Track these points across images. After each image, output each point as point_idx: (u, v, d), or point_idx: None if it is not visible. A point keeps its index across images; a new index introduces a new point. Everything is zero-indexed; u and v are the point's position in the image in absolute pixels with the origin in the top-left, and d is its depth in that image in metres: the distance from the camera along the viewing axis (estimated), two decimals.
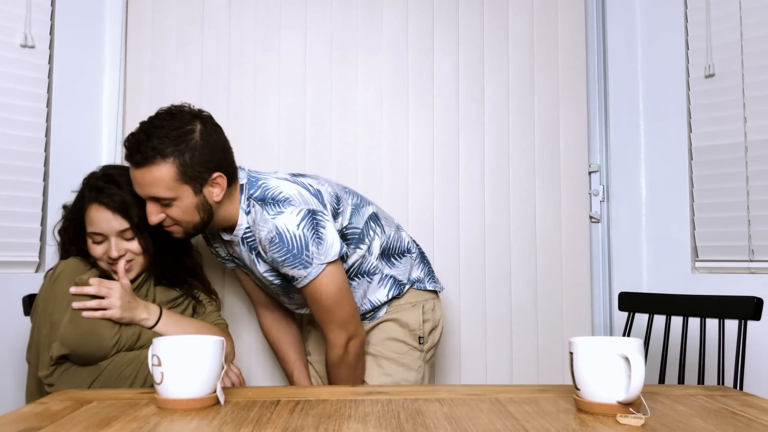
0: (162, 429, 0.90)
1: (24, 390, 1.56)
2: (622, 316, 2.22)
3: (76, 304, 1.42)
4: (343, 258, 1.60)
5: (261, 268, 1.60)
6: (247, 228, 1.56)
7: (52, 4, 1.98)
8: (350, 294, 1.59)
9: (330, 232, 1.54)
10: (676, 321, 1.88)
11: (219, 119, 2.08)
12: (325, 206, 1.57)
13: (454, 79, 2.20)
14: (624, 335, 1.85)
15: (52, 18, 1.97)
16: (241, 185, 1.57)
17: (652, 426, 0.91)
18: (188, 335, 1.14)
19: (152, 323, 1.49)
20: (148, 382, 1.41)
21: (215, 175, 1.48)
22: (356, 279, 1.67)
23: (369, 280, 1.68)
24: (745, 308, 1.58)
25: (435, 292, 1.79)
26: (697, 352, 1.92)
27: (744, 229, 2.02)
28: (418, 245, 1.84)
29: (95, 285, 1.44)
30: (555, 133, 2.24)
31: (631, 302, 1.86)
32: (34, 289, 1.57)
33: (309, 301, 1.57)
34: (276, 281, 1.63)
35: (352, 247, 1.64)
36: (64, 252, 1.58)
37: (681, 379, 1.68)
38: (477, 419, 0.95)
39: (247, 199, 1.55)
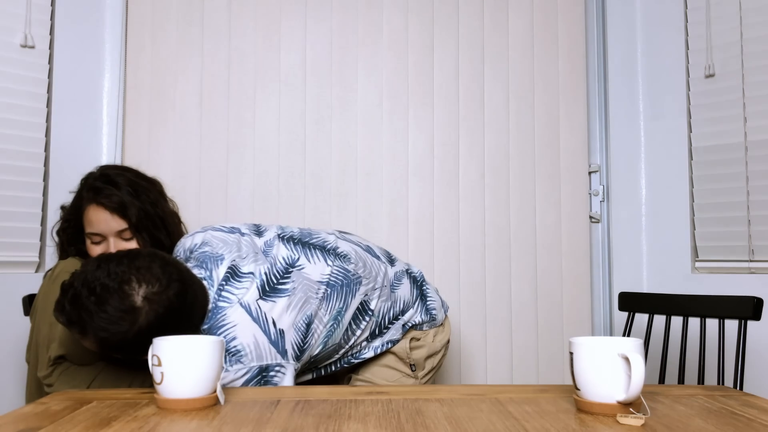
0: (162, 429, 0.90)
1: (24, 390, 1.56)
2: (622, 316, 2.22)
3: None
4: (315, 368, 1.47)
5: None
6: None
7: (52, 4, 1.98)
8: None
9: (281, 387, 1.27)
10: (676, 321, 1.88)
11: (219, 119, 2.09)
12: (285, 354, 1.35)
13: (454, 79, 2.20)
14: (624, 335, 1.85)
15: (52, 18, 1.97)
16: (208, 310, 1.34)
17: (652, 426, 0.91)
18: (189, 335, 1.14)
19: None
20: (147, 383, 1.41)
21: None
22: (341, 366, 1.54)
23: (354, 357, 1.53)
24: (745, 308, 1.58)
25: (441, 326, 1.64)
26: (697, 352, 1.92)
27: (744, 229, 2.02)
28: (420, 284, 1.63)
29: None
30: (555, 133, 2.24)
31: (631, 302, 1.86)
32: (34, 289, 1.57)
33: None
34: None
35: (329, 356, 1.48)
36: (63, 252, 1.58)
37: (681, 379, 1.68)
38: (477, 419, 0.95)
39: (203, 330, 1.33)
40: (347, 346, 1.51)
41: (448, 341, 1.69)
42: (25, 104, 1.90)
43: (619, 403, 0.95)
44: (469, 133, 2.20)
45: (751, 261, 2.02)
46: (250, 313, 1.34)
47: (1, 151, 1.85)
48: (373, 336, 1.55)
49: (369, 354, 1.55)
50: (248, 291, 1.36)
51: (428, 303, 1.63)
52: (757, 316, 1.56)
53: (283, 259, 1.44)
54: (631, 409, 0.96)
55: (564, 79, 2.26)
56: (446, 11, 2.20)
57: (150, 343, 1.10)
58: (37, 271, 1.92)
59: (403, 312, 1.58)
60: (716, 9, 2.10)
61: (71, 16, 2.01)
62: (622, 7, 2.31)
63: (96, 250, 1.51)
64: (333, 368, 1.56)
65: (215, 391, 1.04)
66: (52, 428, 0.91)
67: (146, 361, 1.31)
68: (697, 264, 2.14)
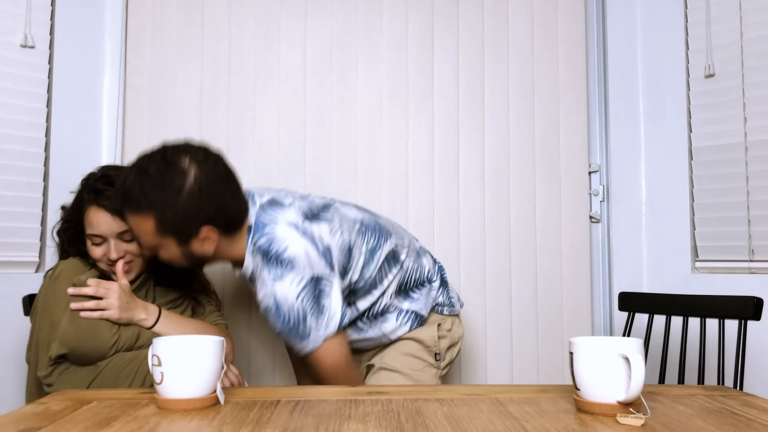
0: (162, 429, 0.90)
1: (24, 390, 1.56)
2: (622, 316, 2.22)
3: (74, 305, 1.42)
4: (350, 303, 1.54)
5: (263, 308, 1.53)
6: (253, 270, 1.46)
7: (52, 4, 1.98)
8: (351, 366, 1.50)
9: (334, 300, 1.44)
10: (676, 321, 1.88)
11: (219, 119, 2.09)
12: (332, 267, 1.45)
13: (454, 79, 2.20)
14: (624, 335, 1.85)
15: (52, 18, 1.97)
16: (250, 227, 1.45)
17: (652, 426, 0.91)
18: (188, 335, 1.14)
19: (151, 323, 1.49)
20: (147, 382, 1.41)
21: (203, 231, 1.40)
22: (369, 322, 1.61)
23: (384, 319, 1.61)
24: (745, 308, 1.58)
25: (458, 316, 1.73)
26: (697, 352, 1.92)
27: (744, 229, 2.02)
28: (440, 269, 1.73)
29: (93, 285, 1.44)
30: (555, 133, 2.24)
31: (631, 302, 1.86)
32: (34, 289, 1.57)
33: (308, 365, 1.51)
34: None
35: (363, 294, 1.56)
36: (63, 253, 1.58)
37: (681, 379, 1.68)
38: (477, 419, 0.95)
39: (253, 245, 1.43)
40: (378, 293, 1.56)
41: (462, 337, 1.74)
42: (25, 104, 1.90)
43: (619, 403, 0.95)
44: (469, 133, 2.20)
45: (751, 261, 2.02)
46: (297, 229, 1.44)
47: (1, 151, 1.85)
48: (399, 292, 1.60)
49: (394, 321, 1.60)
50: (291, 213, 1.47)
51: (447, 286, 1.72)
52: (757, 316, 1.56)
53: (320, 200, 1.58)
54: (631, 409, 0.96)
55: (564, 79, 2.26)
56: (446, 11, 2.20)
57: (202, 218, 1.36)
58: (37, 271, 1.92)
59: (429, 280, 1.66)
60: (716, 9, 2.10)
61: (71, 16, 2.01)
62: (622, 8, 2.31)
63: (96, 251, 1.51)
64: (366, 334, 1.61)
65: (215, 391, 1.04)
66: (52, 428, 0.91)
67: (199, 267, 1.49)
68: (697, 264, 2.14)
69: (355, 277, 1.53)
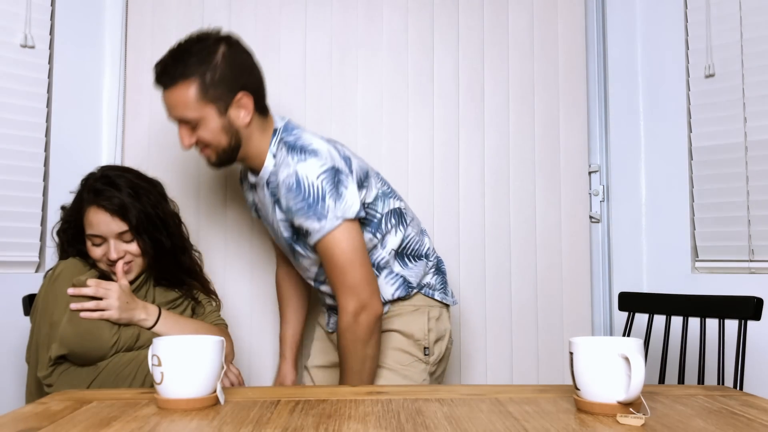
0: (162, 429, 0.90)
1: (24, 390, 1.56)
2: (622, 316, 2.22)
3: (74, 305, 1.42)
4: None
5: (278, 215, 1.57)
6: (272, 172, 1.55)
7: (52, 4, 1.98)
8: (367, 258, 1.52)
9: (351, 193, 1.50)
10: (676, 321, 1.88)
11: None
12: (351, 172, 1.54)
13: (454, 79, 2.20)
14: (624, 335, 1.85)
15: (52, 18, 1.97)
16: (276, 129, 1.58)
17: (652, 426, 0.91)
18: (188, 335, 1.14)
19: (151, 323, 1.49)
20: (147, 382, 1.41)
21: (239, 95, 1.50)
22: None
23: (376, 273, 1.62)
24: (745, 308, 1.58)
25: (445, 304, 1.71)
26: (697, 352, 1.92)
27: (744, 229, 2.02)
28: (438, 257, 1.76)
29: (93, 286, 1.44)
30: (555, 133, 2.24)
31: (631, 302, 1.86)
32: (34, 289, 1.57)
33: (322, 259, 1.52)
34: (286, 234, 1.59)
35: (366, 229, 1.59)
36: (63, 253, 1.58)
37: (681, 379, 1.68)
38: (477, 419, 0.95)
39: (278, 143, 1.55)
40: (378, 241, 1.60)
41: (451, 336, 1.73)
42: (25, 104, 1.90)
43: (619, 403, 0.95)
44: (469, 133, 2.19)
45: (751, 261, 2.02)
46: (322, 138, 1.58)
47: (1, 151, 1.85)
48: (397, 254, 1.63)
49: (382, 279, 1.62)
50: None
51: (442, 275, 1.73)
52: (757, 316, 1.56)
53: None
54: (631, 409, 0.96)
55: (564, 79, 2.26)
56: (446, 11, 2.20)
57: (238, 81, 1.49)
58: (37, 271, 1.92)
59: (426, 257, 1.69)
60: (716, 9, 2.10)
61: (71, 16, 2.01)
62: (622, 7, 2.31)
63: (96, 252, 1.51)
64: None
65: (215, 391, 1.04)
66: (52, 428, 0.91)
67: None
68: (697, 264, 2.14)
69: (368, 199, 1.59)
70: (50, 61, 1.97)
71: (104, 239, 1.49)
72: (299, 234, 1.56)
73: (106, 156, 2.07)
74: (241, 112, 1.52)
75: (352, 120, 2.14)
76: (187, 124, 1.51)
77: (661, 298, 1.80)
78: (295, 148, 1.51)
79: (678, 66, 2.20)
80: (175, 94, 1.49)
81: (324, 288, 1.68)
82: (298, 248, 1.60)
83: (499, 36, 2.23)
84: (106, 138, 2.08)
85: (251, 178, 1.63)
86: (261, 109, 1.56)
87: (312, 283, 1.70)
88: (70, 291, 1.44)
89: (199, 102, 1.48)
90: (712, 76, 2.11)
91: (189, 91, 1.47)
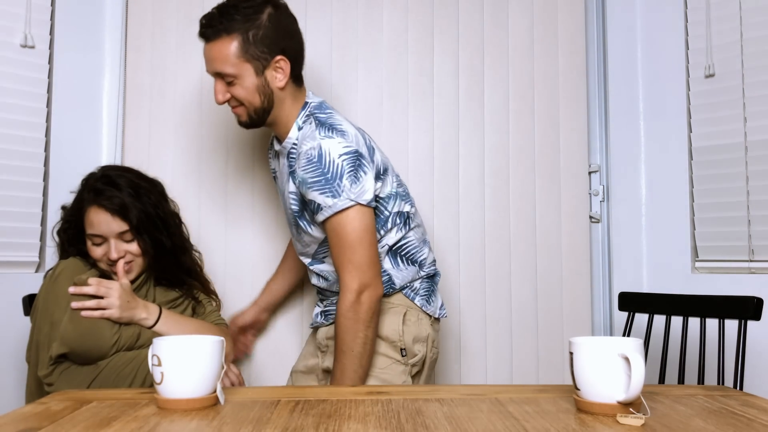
0: (162, 429, 0.90)
1: (24, 390, 1.56)
2: (622, 316, 2.22)
3: (75, 304, 1.42)
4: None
5: (290, 187, 1.58)
6: (294, 144, 1.57)
7: (52, 4, 1.98)
8: (375, 242, 1.53)
9: (368, 180, 1.51)
10: (676, 321, 1.88)
11: (219, 119, 2.09)
12: (372, 161, 1.55)
13: (454, 79, 2.20)
14: (624, 335, 1.85)
15: (52, 18, 1.97)
16: (308, 102, 1.60)
17: (652, 426, 0.91)
18: (188, 335, 1.14)
19: (151, 323, 1.49)
20: (147, 382, 1.42)
21: (278, 57, 1.53)
22: None
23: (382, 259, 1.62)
24: (745, 308, 1.58)
25: (425, 312, 1.66)
26: (697, 352, 1.92)
27: (744, 229, 2.02)
28: (436, 270, 1.72)
29: (94, 285, 1.44)
30: (555, 133, 2.24)
31: (631, 302, 1.86)
32: (34, 289, 1.57)
33: (330, 237, 1.52)
34: (294, 206, 1.59)
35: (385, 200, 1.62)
36: (64, 253, 1.58)
37: (681, 379, 1.68)
38: (477, 419, 0.95)
39: (307, 116, 1.57)
40: (379, 236, 1.59)
41: (436, 346, 1.68)
42: (25, 104, 1.90)
43: (619, 403, 0.95)
44: (469, 133, 2.19)
45: (751, 261, 2.02)
46: (352, 124, 1.60)
47: (1, 151, 1.85)
48: (392, 253, 1.62)
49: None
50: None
51: (433, 287, 1.71)
52: (757, 316, 1.56)
53: None
54: (631, 409, 0.96)
55: (564, 79, 2.26)
56: (446, 11, 2.20)
57: (279, 43, 1.52)
58: (37, 271, 1.92)
59: (420, 266, 1.67)
60: (716, 9, 2.10)
61: (71, 16, 2.01)
62: (622, 8, 2.31)
63: (97, 252, 1.51)
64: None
65: (215, 391, 1.04)
66: (52, 428, 0.91)
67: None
68: (697, 264, 2.14)
69: (382, 193, 1.59)
70: (50, 61, 1.97)
71: (105, 239, 1.49)
72: (306, 209, 1.57)
73: (106, 156, 2.07)
74: (278, 74, 1.55)
75: (352, 120, 2.13)
76: (224, 79, 1.54)
77: (661, 298, 1.80)
78: (325, 125, 1.54)
79: (678, 66, 2.20)
80: (216, 48, 1.52)
81: (319, 267, 1.66)
82: (302, 223, 1.60)
83: (499, 36, 2.23)
84: (106, 138, 2.08)
85: (276, 146, 1.66)
86: (296, 77, 1.59)
87: (308, 260, 1.68)
88: (72, 290, 1.44)
89: (238, 58, 1.51)
90: (712, 76, 2.11)
91: (230, 46, 1.50)
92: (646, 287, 2.24)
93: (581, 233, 2.24)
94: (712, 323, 1.87)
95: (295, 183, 1.56)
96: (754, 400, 1.08)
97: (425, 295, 1.67)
